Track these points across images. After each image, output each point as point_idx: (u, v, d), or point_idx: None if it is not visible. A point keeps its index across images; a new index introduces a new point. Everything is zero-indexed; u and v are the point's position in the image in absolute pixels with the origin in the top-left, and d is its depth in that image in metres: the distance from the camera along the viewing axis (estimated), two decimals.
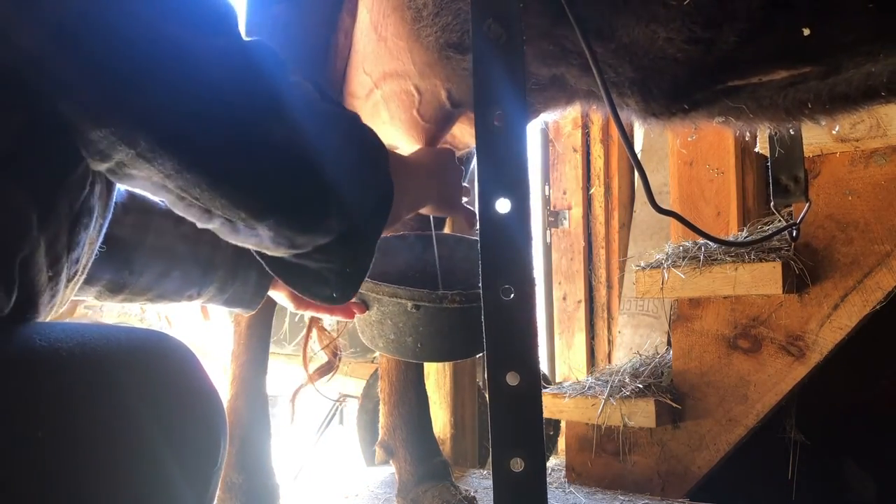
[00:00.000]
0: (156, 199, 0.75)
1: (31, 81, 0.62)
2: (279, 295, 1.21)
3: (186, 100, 0.66)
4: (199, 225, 0.76)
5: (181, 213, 0.75)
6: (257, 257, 0.86)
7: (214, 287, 1.13)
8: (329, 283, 0.85)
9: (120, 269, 1.03)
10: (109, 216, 0.83)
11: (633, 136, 3.19)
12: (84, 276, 0.83)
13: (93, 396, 0.64)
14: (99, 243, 0.84)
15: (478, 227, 0.82)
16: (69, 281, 0.79)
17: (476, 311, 0.82)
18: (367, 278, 1.01)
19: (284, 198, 0.73)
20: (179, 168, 0.67)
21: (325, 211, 0.77)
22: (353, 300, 1.19)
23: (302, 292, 0.88)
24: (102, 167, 0.69)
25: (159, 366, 0.71)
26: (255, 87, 0.71)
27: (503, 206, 0.78)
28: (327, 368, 1.64)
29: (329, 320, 1.32)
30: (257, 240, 0.77)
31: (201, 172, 0.68)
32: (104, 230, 0.83)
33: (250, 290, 1.16)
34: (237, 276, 1.14)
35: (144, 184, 0.71)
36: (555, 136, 3.54)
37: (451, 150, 1.19)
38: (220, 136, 0.68)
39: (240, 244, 0.80)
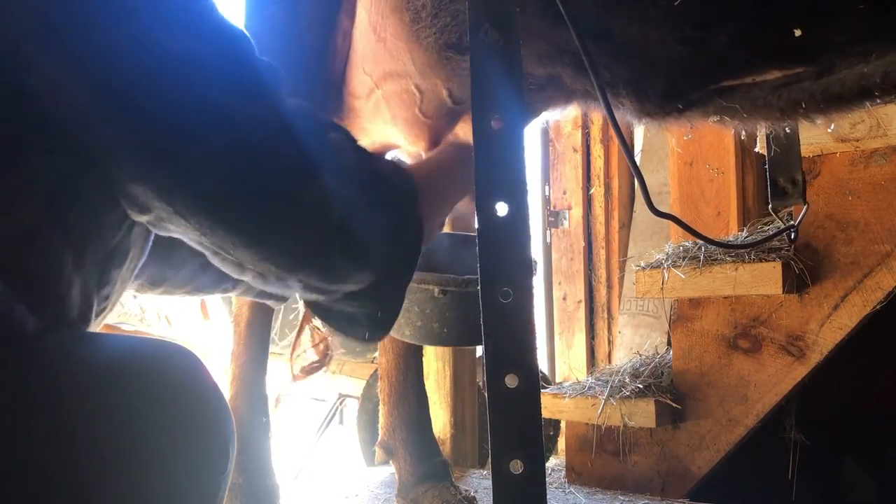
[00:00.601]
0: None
1: (76, 134, 0.65)
2: None
3: (224, 164, 0.68)
4: (234, 276, 0.79)
5: (217, 266, 0.78)
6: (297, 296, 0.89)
7: (248, 280, 1.17)
8: (361, 324, 0.88)
9: (161, 264, 1.07)
10: (145, 257, 0.86)
11: (631, 137, 3.20)
12: (111, 311, 0.86)
13: (105, 403, 0.66)
14: (131, 280, 0.87)
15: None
16: (97, 316, 0.81)
17: None
18: None
19: (316, 255, 0.76)
20: (214, 227, 0.70)
21: (355, 264, 0.80)
22: None
23: (336, 331, 0.92)
24: (143, 219, 0.72)
25: (169, 375, 0.73)
26: (291, 153, 0.73)
27: (501, 209, 0.78)
28: (316, 367, 1.64)
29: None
30: (288, 291, 0.81)
31: (236, 232, 0.71)
32: (137, 269, 0.86)
33: None
34: None
35: (182, 238, 0.75)
36: (555, 136, 3.54)
37: (465, 146, 1.19)
38: (254, 199, 0.71)
39: (270, 291, 0.84)
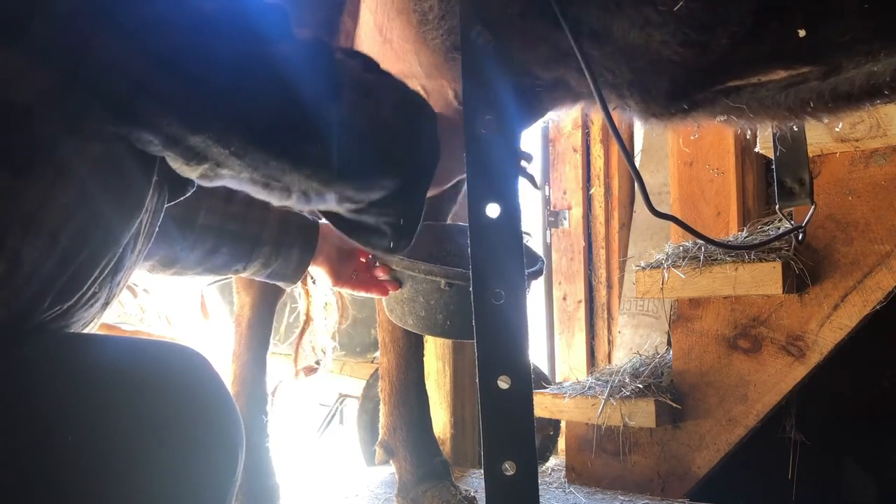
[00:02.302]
0: (243, 189, 0.85)
1: (134, 103, 0.70)
2: (319, 270, 1.29)
3: (268, 100, 0.76)
4: (277, 203, 0.86)
5: (264, 197, 0.84)
6: (322, 217, 0.96)
7: (259, 262, 1.23)
8: (386, 234, 0.94)
9: (173, 245, 1.13)
10: (150, 245, 0.90)
11: (631, 138, 3.19)
12: (115, 301, 0.88)
13: (117, 407, 0.68)
14: (135, 268, 0.90)
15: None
16: (105, 305, 0.84)
17: None
18: (402, 257, 1.14)
19: (349, 167, 0.84)
20: (266, 158, 0.77)
21: (380, 171, 0.87)
22: (388, 278, 1.29)
23: (364, 245, 0.97)
24: (196, 172, 0.78)
25: (181, 380, 0.75)
26: (318, 79, 0.81)
27: (493, 210, 0.78)
28: (316, 368, 1.66)
29: (323, 323, 1.39)
30: (325, 204, 0.88)
31: (286, 158, 0.78)
32: (142, 256, 0.89)
33: (292, 266, 1.26)
34: (280, 253, 1.23)
35: (231, 181, 0.80)
36: (555, 136, 3.53)
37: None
38: (298, 128, 0.79)
39: (309, 209, 0.90)
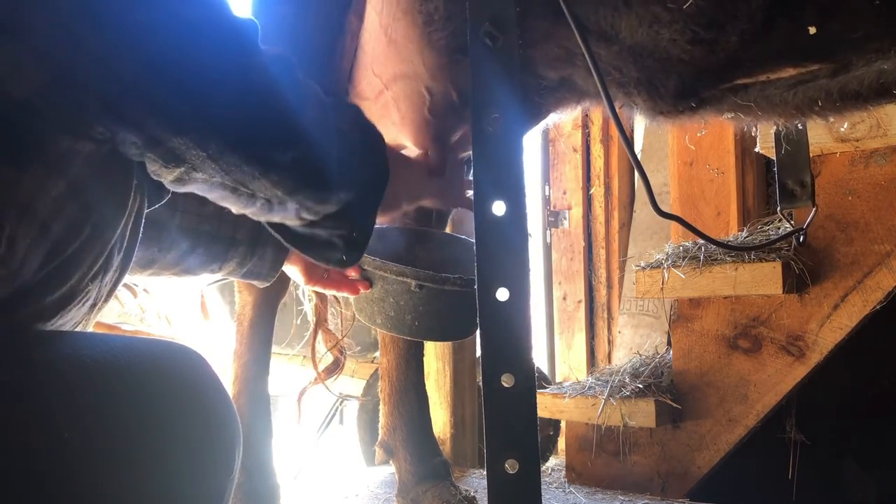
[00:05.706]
0: (209, 197, 0.88)
1: (124, 102, 0.73)
2: (293, 269, 1.32)
3: (247, 109, 0.80)
4: (238, 210, 0.89)
5: (230, 204, 0.87)
6: (274, 234, 0.99)
7: (234, 262, 1.26)
8: (338, 247, 0.97)
9: (150, 246, 1.16)
10: (135, 248, 0.91)
11: (632, 137, 3.19)
12: (106, 305, 0.90)
13: (114, 404, 0.68)
14: (125, 274, 0.91)
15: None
16: (93, 307, 0.84)
17: (472, 297, 0.87)
18: (374, 258, 1.20)
19: (312, 176, 0.87)
20: (240, 163, 0.80)
21: (337, 184, 0.90)
22: (359, 278, 1.32)
23: (317, 259, 1.01)
24: (172, 175, 0.80)
25: (178, 377, 0.75)
26: (289, 91, 0.84)
27: (499, 208, 0.78)
28: (333, 368, 1.67)
29: (334, 321, 1.40)
30: (284, 213, 0.91)
31: (256, 164, 0.82)
32: (128, 261, 0.90)
33: (267, 265, 1.29)
34: (255, 252, 1.27)
35: (202, 186, 0.83)
36: (555, 136, 3.54)
37: (451, 153, 1.25)
38: (270, 135, 0.82)
39: (268, 220, 0.93)
